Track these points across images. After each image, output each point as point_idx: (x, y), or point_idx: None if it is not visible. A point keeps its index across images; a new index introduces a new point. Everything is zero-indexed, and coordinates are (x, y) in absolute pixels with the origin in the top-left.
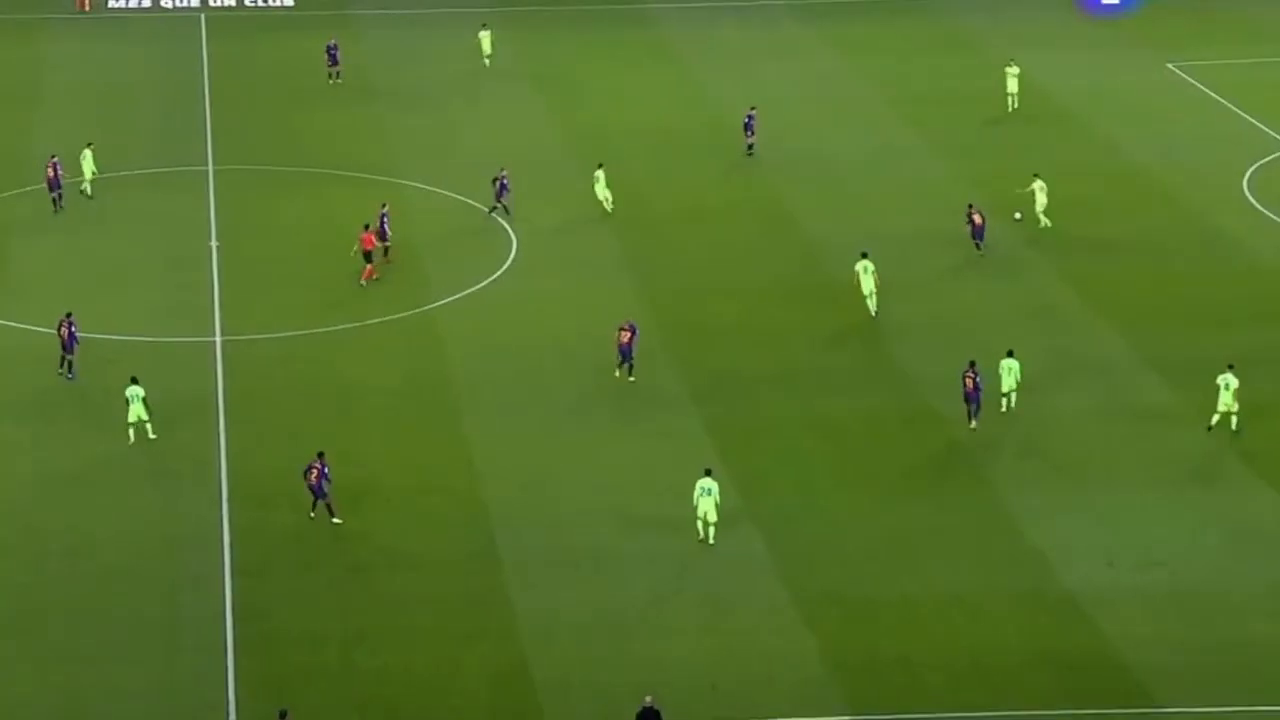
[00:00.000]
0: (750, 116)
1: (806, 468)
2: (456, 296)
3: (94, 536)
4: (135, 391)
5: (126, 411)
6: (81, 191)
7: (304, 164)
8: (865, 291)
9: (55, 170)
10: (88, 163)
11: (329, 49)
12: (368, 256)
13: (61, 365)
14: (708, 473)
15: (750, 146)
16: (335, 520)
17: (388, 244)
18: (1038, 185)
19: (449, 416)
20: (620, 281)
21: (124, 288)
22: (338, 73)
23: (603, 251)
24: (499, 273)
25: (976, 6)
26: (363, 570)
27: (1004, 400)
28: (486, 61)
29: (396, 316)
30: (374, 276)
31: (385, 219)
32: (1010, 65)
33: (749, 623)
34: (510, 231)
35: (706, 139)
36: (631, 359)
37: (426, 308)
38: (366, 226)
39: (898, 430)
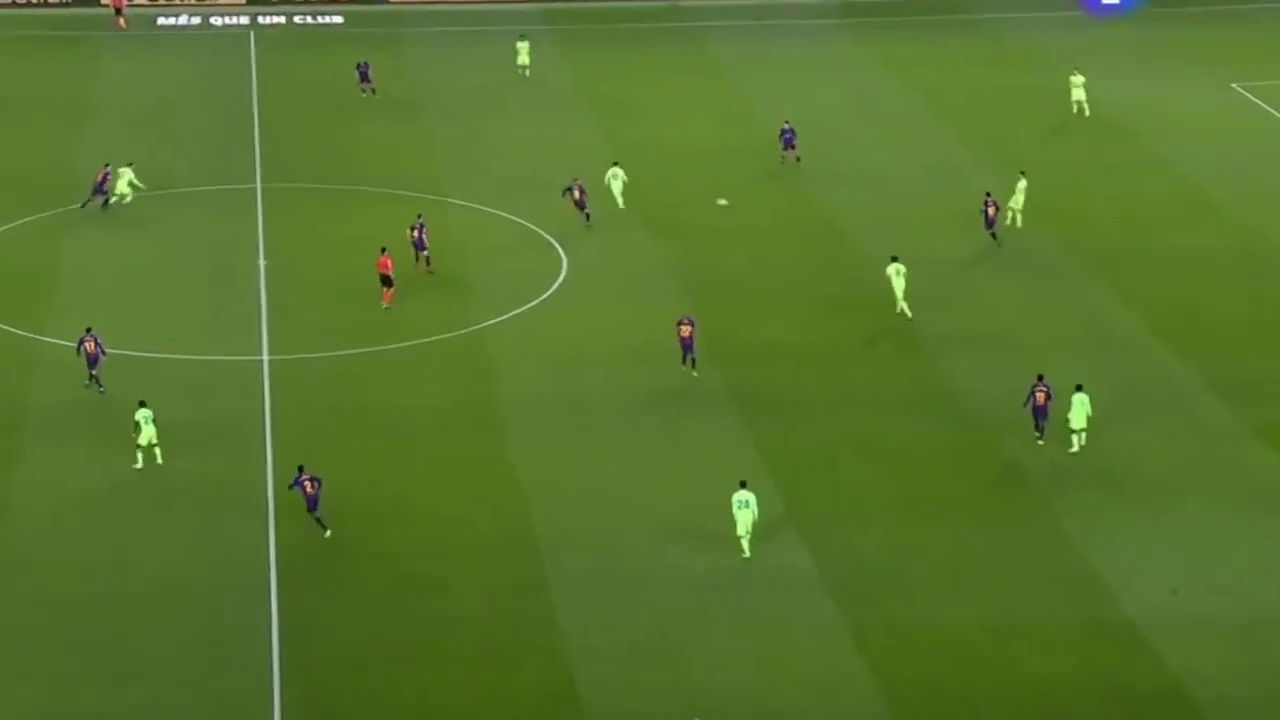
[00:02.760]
0: (789, 131)
1: (859, 489)
2: (506, 316)
3: (139, 556)
4: (146, 414)
5: (137, 435)
6: (110, 204)
7: (352, 181)
8: (898, 294)
9: (105, 177)
10: (123, 180)
11: (360, 68)
12: (386, 281)
13: (90, 381)
14: (743, 485)
15: (797, 159)
16: (327, 533)
17: (427, 253)
18: (1021, 185)
19: (497, 437)
20: (672, 299)
21: (172, 306)
22: (370, 89)
23: (654, 268)
24: (549, 292)
25: (1031, 24)
26: (408, 591)
27: (1075, 438)
28: (525, 72)
29: (445, 336)
30: (389, 303)
31: (423, 229)
32: (1074, 74)
33: (800, 649)
34: (560, 249)
35: (757, 155)
36: (694, 353)
37: (476, 327)
38: (384, 250)
39: (953, 452)
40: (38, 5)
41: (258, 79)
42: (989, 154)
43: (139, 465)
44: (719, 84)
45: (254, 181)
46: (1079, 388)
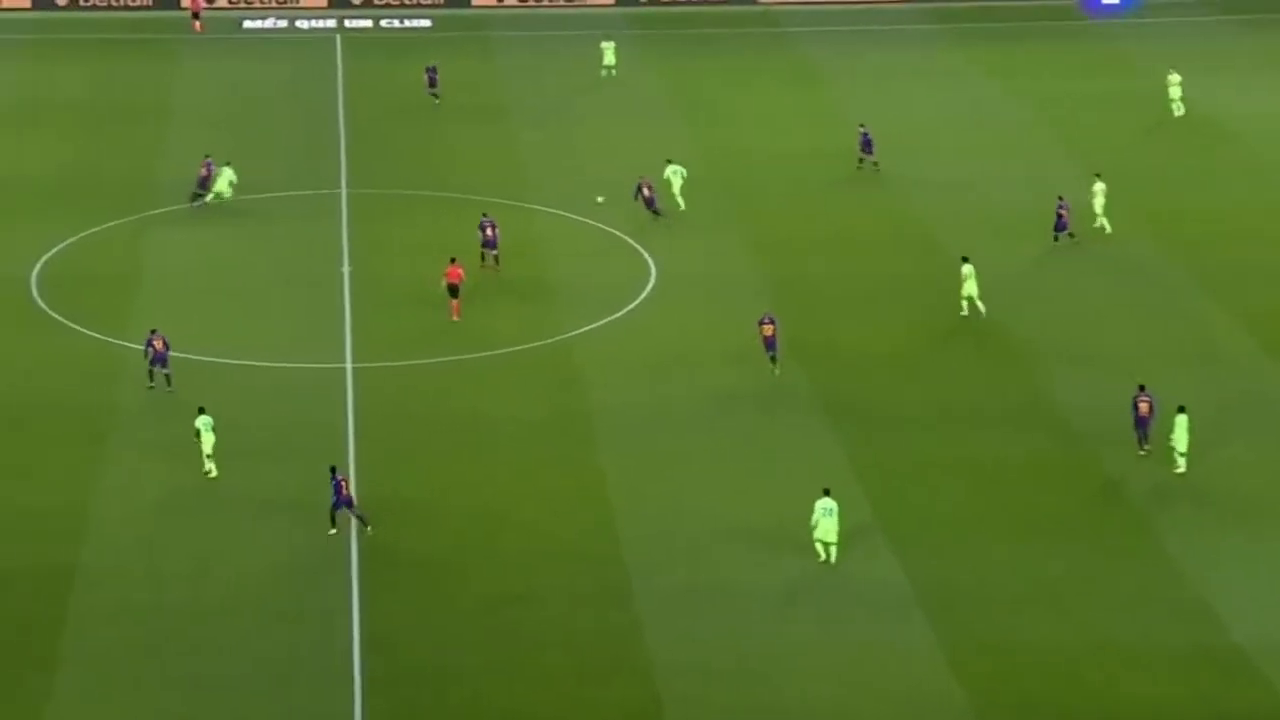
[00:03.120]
0: (866, 135)
1: (952, 503)
2: (594, 325)
3: (220, 566)
4: (206, 421)
5: (200, 443)
6: (206, 201)
7: (438, 187)
8: (966, 294)
9: (209, 170)
10: (224, 179)
11: (428, 72)
12: (453, 291)
13: (152, 380)
14: (826, 492)
15: (875, 165)
16: (368, 529)
17: (496, 252)
18: (1098, 187)
19: (585, 448)
20: (763, 306)
21: (255, 312)
22: (435, 94)
23: (744, 278)
24: (637, 300)
25: (1134, 30)
26: (494, 604)
27: (1180, 460)
28: (612, 72)
29: (532, 345)
30: (458, 316)
31: (494, 227)
32: (1171, 74)
33: (890, 667)
34: (647, 257)
35: (848, 161)
36: (776, 350)
37: (563, 336)
38: (453, 260)
39: (1050, 466)
40: (118, 8)
41: (344, 83)
42: (1086, 160)
43: (214, 474)
44: (810, 89)
45: (339, 187)
46: (1181, 409)
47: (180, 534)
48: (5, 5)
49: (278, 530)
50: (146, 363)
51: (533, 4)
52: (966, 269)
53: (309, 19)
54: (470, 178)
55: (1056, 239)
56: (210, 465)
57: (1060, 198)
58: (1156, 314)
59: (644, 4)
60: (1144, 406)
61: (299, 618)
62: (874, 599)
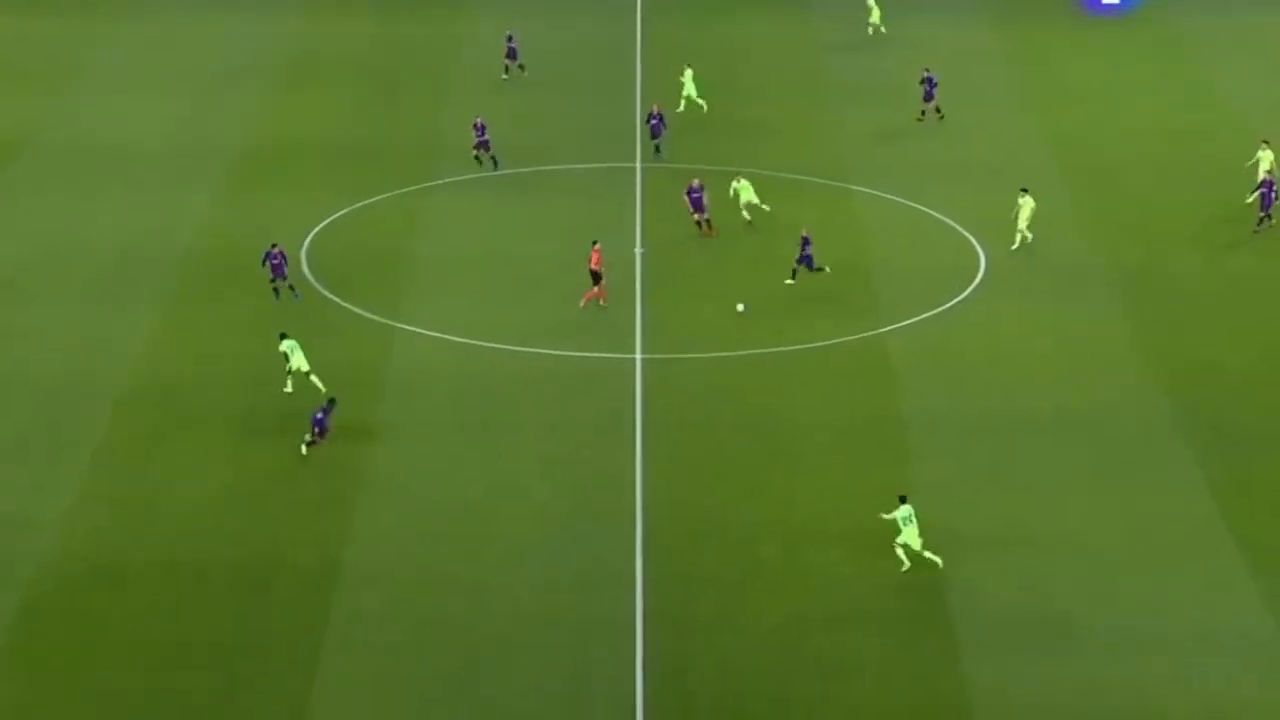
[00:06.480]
0: (929, 78)
1: None
2: (913, 320)
3: (500, 576)
4: (290, 344)
5: (288, 363)
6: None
7: (741, 164)
8: (1021, 223)
9: (480, 130)
10: (746, 193)
11: (507, 41)
12: (594, 277)
13: (276, 295)
14: (903, 500)
15: (937, 110)
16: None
17: (706, 216)
18: (1264, 154)
19: (895, 458)
20: (1107, 308)
21: (538, 295)
22: (513, 66)
23: (1088, 273)
24: (964, 294)
25: None
26: (794, 626)
27: None
28: (882, 29)
29: (842, 340)
30: (590, 301)
31: (703, 190)
32: None
33: None
34: (978, 246)
35: (1217, 145)
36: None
37: (878, 331)
38: (595, 242)
39: None
40: None
41: (642, 47)
42: None
43: (289, 389)
44: (1175, 59)
45: (634, 160)
46: None
47: (458, 539)
48: None
49: (560, 538)
50: (268, 278)
51: None
52: (1025, 200)
53: None
54: (782, 154)
55: (1263, 220)
56: (289, 383)
57: (1268, 172)
58: None
59: None
60: None
61: (581, 636)
62: (1240, 651)
